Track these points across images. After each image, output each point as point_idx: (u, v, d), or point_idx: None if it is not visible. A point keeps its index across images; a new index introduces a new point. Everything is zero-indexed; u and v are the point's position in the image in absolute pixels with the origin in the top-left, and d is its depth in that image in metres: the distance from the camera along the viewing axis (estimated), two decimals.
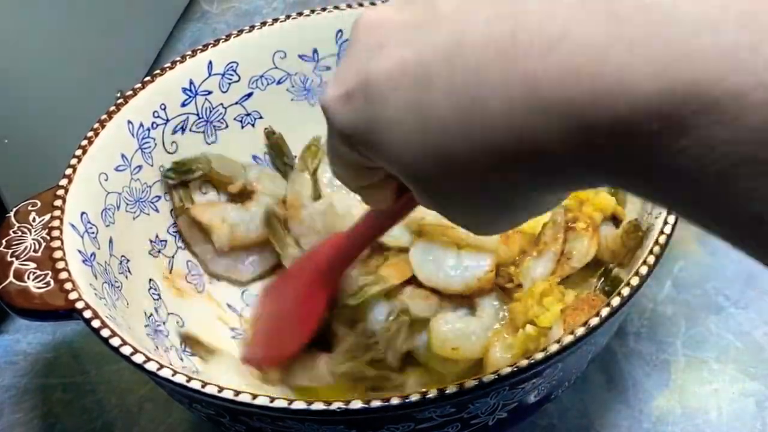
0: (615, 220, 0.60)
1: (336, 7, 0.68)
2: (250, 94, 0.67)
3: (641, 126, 0.25)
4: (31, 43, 0.66)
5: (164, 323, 0.58)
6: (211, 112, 0.66)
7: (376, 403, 0.43)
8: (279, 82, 0.68)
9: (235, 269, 0.65)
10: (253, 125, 0.68)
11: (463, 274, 0.56)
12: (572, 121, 0.26)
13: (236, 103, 0.67)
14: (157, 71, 0.64)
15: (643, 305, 0.64)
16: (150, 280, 0.60)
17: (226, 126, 0.67)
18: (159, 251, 0.62)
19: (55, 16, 0.69)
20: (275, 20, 0.67)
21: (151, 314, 0.57)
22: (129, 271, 0.58)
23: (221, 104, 0.66)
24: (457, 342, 0.55)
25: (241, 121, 0.68)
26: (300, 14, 0.68)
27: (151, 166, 0.62)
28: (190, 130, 0.65)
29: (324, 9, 0.68)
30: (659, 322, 0.63)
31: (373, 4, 0.67)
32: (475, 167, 0.30)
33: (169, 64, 0.64)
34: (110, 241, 0.57)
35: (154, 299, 0.59)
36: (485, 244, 0.56)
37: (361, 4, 0.67)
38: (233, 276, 0.65)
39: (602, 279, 0.56)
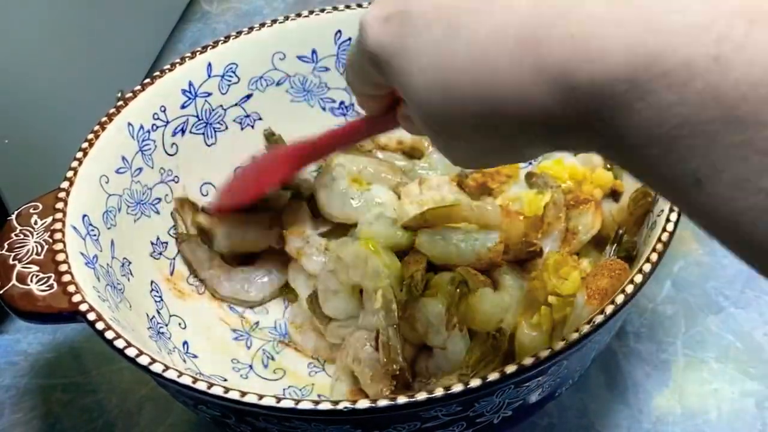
0: (615, 195, 0.61)
1: (335, 8, 0.68)
2: (249, 96, 0.68)
3: (613, 86, 0.29)
4: (32, 43, 0.66)
5: (166, 325, 0.58)
6: (210, 113, 0.66)
7: (383, 403, 0.43)
8: (278, 84, 0.68)
9: (243, 291, 0.64)
10: (252, 127, 0.68)
11: (474, 245, 0.56)
12: (560, 81, 0.30)
13: (236, 104, 0.67)
14: (157, 73, 0.64)
15: (643, 305, 0.64)
16: (152, 282, 0.60)
17: (226, 128, 0.67)
18: (160, 253, 0.62)
19: (56, 16, 0.69)
20: (274, 21, 0.67)
21: (154, 316, 0.57)
22: (131, 274, 0.58)
23: (221, 106, 0.66)
24: (501, 315, 0.55)
25: (240, 123, 0.68)
26: (299, 15, 0.68)
27: (152, 168, 0.62)
28: (190, 131, 0.65)
29: (323, 10, 0.68)
30: (659, 322, 0.64)
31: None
32: (477, 112, 0.33)
33: (168, 66, 0.64)
34: (112, 243, 0.57)
35: (156, 301, 0.59)
36: (489, 224, 0.56)
37: (360, 5, 0.67)
38: (241, 297, 0.64)
39: (615, 245, 0.57)
